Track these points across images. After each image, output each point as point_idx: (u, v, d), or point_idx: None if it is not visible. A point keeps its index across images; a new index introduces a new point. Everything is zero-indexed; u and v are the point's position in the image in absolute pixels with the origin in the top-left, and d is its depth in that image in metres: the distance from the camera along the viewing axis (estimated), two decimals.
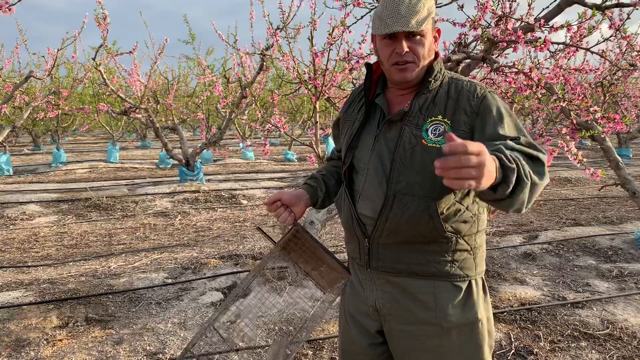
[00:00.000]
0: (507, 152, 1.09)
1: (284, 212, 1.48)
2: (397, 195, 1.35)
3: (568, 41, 3.19)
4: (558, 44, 3.01)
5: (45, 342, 3.07)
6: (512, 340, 3.08)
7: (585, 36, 3.10)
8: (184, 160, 9.14)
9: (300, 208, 1.51)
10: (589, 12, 2.60)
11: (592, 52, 3.10)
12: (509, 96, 4.19)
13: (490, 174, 0.97)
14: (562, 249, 4.94)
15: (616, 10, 2.97)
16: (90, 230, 6.19)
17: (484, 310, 1.43)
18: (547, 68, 3.51)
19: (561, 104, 3.08)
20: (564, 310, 3.51)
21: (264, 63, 6.50)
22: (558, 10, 2.84)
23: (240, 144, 15.92)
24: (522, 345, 3.02)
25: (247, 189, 8.86)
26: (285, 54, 4.20)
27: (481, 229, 1.43)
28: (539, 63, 4.06)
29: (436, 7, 2.95)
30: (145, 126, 13.49)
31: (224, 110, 8.82)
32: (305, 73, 4.11)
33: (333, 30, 3.56)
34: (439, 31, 1.44)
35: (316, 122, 4.26)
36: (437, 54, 1.44)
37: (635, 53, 4.20)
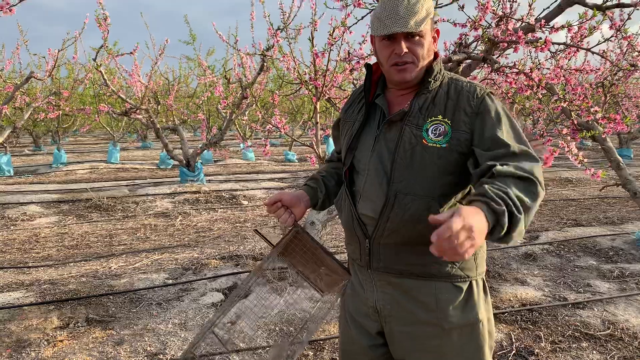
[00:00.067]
0: (495, 188, 1.12)
1: (284, 213, 1.48)
2: (398, 195, 1.35)
3: (569, 41, 3.19)
4: (559, 44, 3.01)
5: (46, 342, 3.07)
6: (513, 340, 3.08)
7: (586, 36, 3.10)
8: (184, 161, 9.14)
9: (300, 209, 1.51)
10: (590, 12, 2.60)
11: (593, 53, 3.10)
12: (510, 96, 4.18)
13: (482, 233, 1.03)
14: (563, 250, 4.94)
15: (617, 11, 2.97)
16: (91, 231, 6.19)
17: (485, 311, 1.43)
18: (548, 68, 3.51)
19: (562, 104, 3.08)
20: (565, 310, 3.50)
21: (265, 64, 6.50)
22: (559, 10, 2.84)
23: (241, 145, 15.92)
24: (523, 345, 3.02)
25: (247, 189, 8.87)
26: (286, 54, 4.20)
27: None
28: (539, 63, 4.06)
29: (437, 8, 2.95)
30: (146, 127, 13.51)
31: (224, 110, 8.82)
32: (305, 74, 4.11)
33: (334, 31, 3.57)
34: (437, 32, 1.44)
35: (317, 123, 4.26)
36: (436, 55, 1.44)
37: (636, 53, 4.20)
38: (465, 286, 1.40)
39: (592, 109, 3.07)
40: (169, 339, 3.13)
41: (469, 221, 0.99)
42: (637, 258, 4.65)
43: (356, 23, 3.18)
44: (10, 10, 2.71)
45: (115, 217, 6.95)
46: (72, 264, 4.81)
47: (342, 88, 4.44)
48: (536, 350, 2.95)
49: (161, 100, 9.23)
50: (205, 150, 9.74)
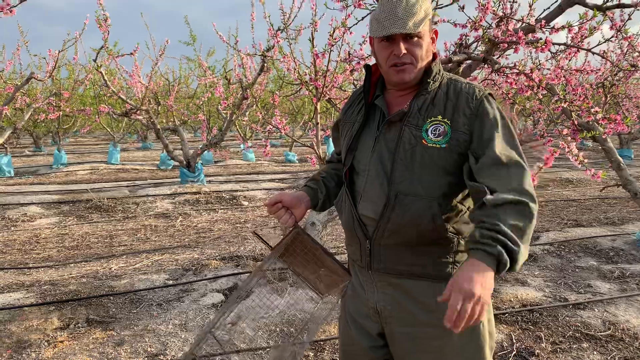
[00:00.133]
0: (486, 228, 1.17)
1: (285, 214, 1.48)
2: (398, 195, 1.35)
3: (569, 42, 3.19)
4: (559, 44, 3.00)
5: (46, 343, 3.07)
6: (514, 341, 3.08)
7: (586, 37, 3.10)
8: (184, 162, 9.14)
9: (300, 210, 1.51)
10: (590, 12, 2.60)
11: (593, 53, 3.10)
12: (510, 97, 4.18)
13: (486, 289, 1.11)
14: (564, 250, 4.93)
15: (617, 11, 2.96)
16: (91, 232, 6.19)
17: (485, 312, 1.42)
18: (548, 69, 3.50)
19: (562, 104, 3.07)
20: (566, 311, 3.50)
21: (265, 64, 6.50)
22: (559, 11, 2.84)
23: (241, 145, 15.91)
24: (523, 346, 3.02)
25: (248, 190, 8.87)
26: (286, 55, 4.20)
27: None
28: (540, 64, 4.06)
29: (437, 8, 2.95)
30: (146, 127, 13.51)
31: (225, 111, 8.82)
32: (306, 74, 4.11)
33: (334, 32, 3.56)
34: (436, 32, 1.44)
35: (317, 123, 4.26)
36: (435, 55, 1.44)
37: (637, 54, 4.20)
38: None
39: (592, 110, 3.06)
40: (170, 340, 3.13)
41: (468, 288, 1.07)
42: (637, 259, 4.65)
43: (356, 24, 3.18)
44: (10, 12, 2.71)
45: (116, 218, 6.95)
46: (72, 264, 4.81)
47: (343, 89, 4.44)
48: (537, 351, 2.95)
49: (161, 101, 9.24)
50: (206, 151, 9.74)
